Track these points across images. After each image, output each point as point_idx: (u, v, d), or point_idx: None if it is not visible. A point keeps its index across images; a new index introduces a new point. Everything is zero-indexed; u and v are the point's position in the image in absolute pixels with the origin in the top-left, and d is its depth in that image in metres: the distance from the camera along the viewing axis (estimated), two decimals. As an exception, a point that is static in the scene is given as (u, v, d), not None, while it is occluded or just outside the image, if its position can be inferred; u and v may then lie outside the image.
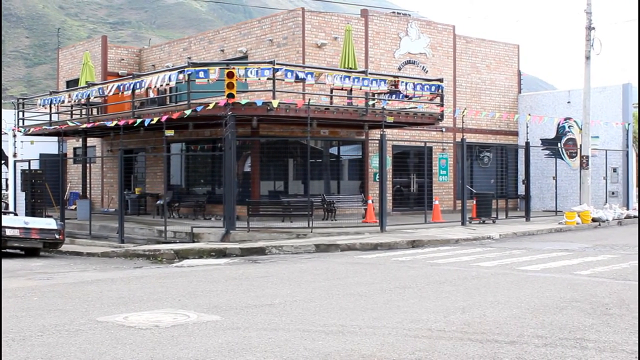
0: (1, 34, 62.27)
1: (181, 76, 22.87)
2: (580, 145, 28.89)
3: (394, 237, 20.74)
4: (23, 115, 32.73)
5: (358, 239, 20.30)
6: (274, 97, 22.89)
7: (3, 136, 35.31)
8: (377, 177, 27.41)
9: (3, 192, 32.10)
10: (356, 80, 24.32)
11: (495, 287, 11.78)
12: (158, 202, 29.32)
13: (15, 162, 30.46)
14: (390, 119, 25.54)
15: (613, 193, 32.20)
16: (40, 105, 31.14)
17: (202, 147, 29.24)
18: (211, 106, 22.26)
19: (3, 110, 43.46)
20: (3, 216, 20.89)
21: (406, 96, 26.28)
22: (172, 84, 23.59)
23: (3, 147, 37.49)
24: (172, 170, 31.01)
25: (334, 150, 29.66)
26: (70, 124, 28.77)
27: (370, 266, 14.97)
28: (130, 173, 31.95)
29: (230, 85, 21.66)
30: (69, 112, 31.64)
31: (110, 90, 26.20)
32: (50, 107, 30.65)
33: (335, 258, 16.97)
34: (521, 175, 32.42)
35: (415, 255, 17.26)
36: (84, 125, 27.62)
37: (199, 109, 22.57)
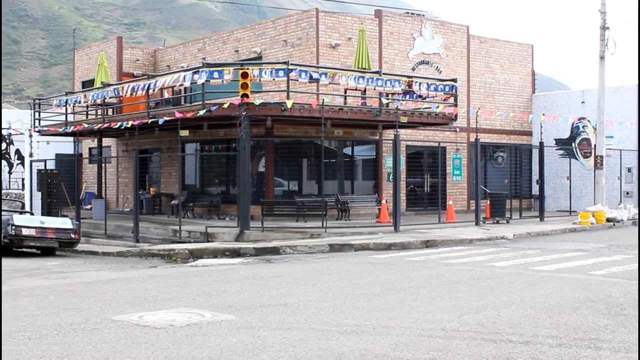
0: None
1: (196, 76, 22.92)
2: (595, 145, 28.76)
3: (407, 237, 20.72)
4: (39, 115, 32.92)
5: (372, 238, 20.30)
6: (288, 98, 22.89)
7: (19, 136, 35.55)
8: (391, 177, 27.40)
9: (18, 191, 32.29)
10: (370, 80, 24.31)
11: (509, 287, 11.74)
12: (173, 202, 29.40)
13: (31, 162, 30.63)
14: (404, 119, 25.51)
15: (628, 193, 32.00)
16: (56, 105, 31.31)
17: (217, 147, 29.28)
18: (226, 106, 22.31)
19: (20, 110, 43.76)
20: (19, 216, 21.02)
21: (420, 96, 26.25)
22: (187, 84, 23.65)
23: (19, 147, 37.72)
24: (186, 170, 31.08)
25: (347, 150, 29.63)
26: (86, 125, 28.92)
27: (384, 266, 14.97)
28: (145, 173, 32.07)
29: (244, 86, 21.73)
30: (85, 113, 31.80)
31: (126, 91, 26.30)
32: (66, 108, 30.82)
33: (349, 258, 16.97)
34: (535, 175, 32.25)
35: (429, 255, 17.25)
36: (99, 126, 27.75)
37: (213, 109, 22.60)
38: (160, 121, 24.44)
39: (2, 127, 34.00)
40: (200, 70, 22.85)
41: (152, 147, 31.92)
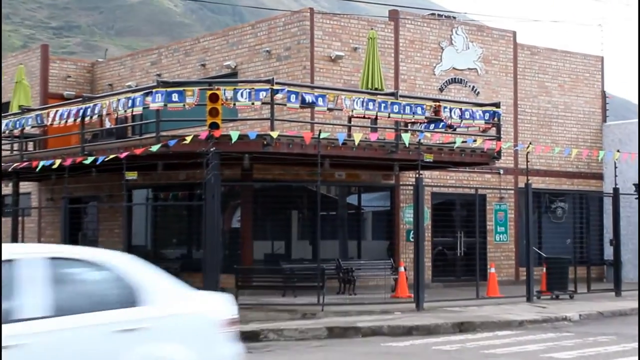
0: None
1: (148, 99, 22.95)
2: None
3: (434, 317, 20.60)
4: None
5: (386, 320, 20.15)
6: (272, 128, 22.89)
7: None
8: (412, 235, 26.87)
9: None
10: (383, 105, 24.28)
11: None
12: (114, 269, 29.28)
13: None
14: (429, 158, 25.38)
15: None
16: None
17: (176, 195, 29.27)
18: (188, 140, 22.27)
19: None
20: None
21: (450, 126, 26.25)
22: (136, 109, 23.70)
23: None
24: (134, 226, 30.89)
25: (353, 200, 29.55)
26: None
27: (403, 358, 14.87)
28: (77, 229, 31.87)
29: (213, 112, 21.73)
30: (-4, 148, 31.76)
31: (52, 119, 26.27)
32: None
33: (355, 347, 16.84)
34: (608, 234, 32.09)
35: (464, 342, 17.12)
36: (15, 165, 27.66)
37: (171, 143, 22.60)
38: (99, 160, 24.35)
39: None
40: (154, 91, 22.86)
41: (88, 194, 31.82)
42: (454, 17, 32.63)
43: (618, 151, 29.74)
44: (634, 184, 33.42)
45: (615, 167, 29.89)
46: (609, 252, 32.20)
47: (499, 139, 26.79)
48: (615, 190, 28.45)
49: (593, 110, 35.19)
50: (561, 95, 34.22)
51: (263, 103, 22.95)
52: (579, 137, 34.52)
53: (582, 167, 34.72)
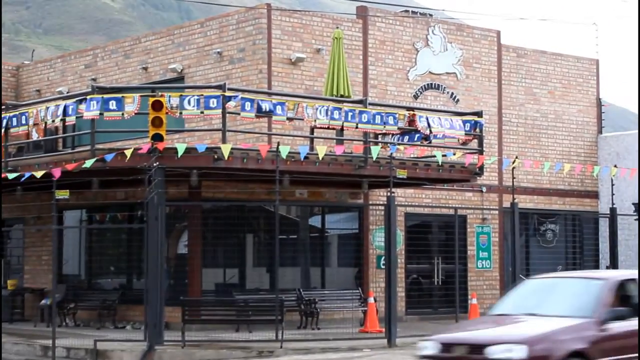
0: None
1: (82, 107, 22.78)
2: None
3: (408, 355, 20.17)
4: None
5: (354, 358, 20.21)
6: (224, 140, 22.83)
7: None
8: (383, 262, 26.77)
9: None
10: (350, 114, 24.26)
11: None
12: (43, 301, 28.91)
13: None
14: (402, 174, 25.33)
15: None
16: None
17: (113, 216, 29.15)
18: (128, 154, 22.19)
19: None
20: None
21: (426, 138, 26.27)
22: (68, 119, 23.57)
23: None
24: (65, 253, 30.70)
25: (316, 221, 29.59)
26: None
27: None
28: (-1, 256, 31.61)
29: (157, 122, 21.66)
30: None
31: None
32: None
33: (320, 389, 16.73)
34: (605, 260, 32.21)
35: (444, 384, 17.01)
36: None
37: (108, 157, 22.47)
38: (25, 176, 24.17)
39: None
40: (88, 97, 22.74)
41: (12, 216, 31.48)
42: (431, 15, 32.63)
43: (615, 166, 29.94)
44: (633, 204, 33.60)
45: (612, 185, 30.08)
46: (605, 280, 32.11)
47: (481, 152, 26.82)
48: (612, 210, 28.63)
49: (587, 120, 35.29)
50: (551, 103, 34.31)
51: (214, 111, 22.84)
52: (571, 151, 34.61)
53: (575, 185, 34.78)
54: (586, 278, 16.44)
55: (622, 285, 15.49)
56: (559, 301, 15.50)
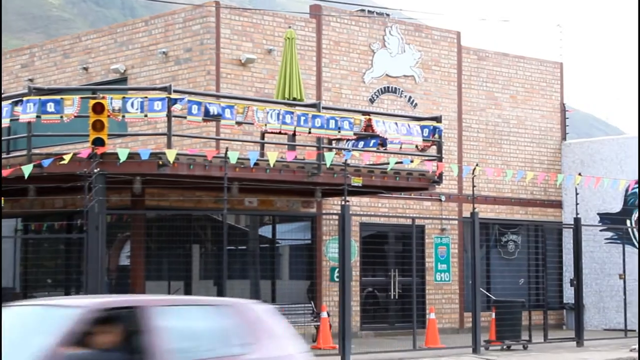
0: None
1: (18, 109, 22.43)
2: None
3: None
4: None
5: (305, 379, 19.39)
6: (169, 146, 22.56)
7: None
8: (337, 275, 27.05)
9: None
10: (303, 118, 24.09)
11: None
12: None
13: None
14: (357, 181, 25.28)
15: None
16: None
17: (51, 225, 28.92)
18: (66, 159, 21.69)
19: None
20: None
21: (382, 144, 26.06)
22: (3, 122, 22.93)
23: None
24: (-1, 264, 30.26)
25: (266, 231, 29.62)
26: None
27: None
28: None
29: (98, 126, 21.31)
30: None
31: None
32: None
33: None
34: (568, 273, 32.36)
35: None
36: None
37: (45, 163, 22.01)
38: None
39: None
40: (25, 99, 22.41)
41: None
42: (388, 15, 32.60)
43: (580, 174, 30.08)
44: (598, 214, 33.78)
45: (577, 194, 30.39)
46: (569, 294, 32.54)
47: (440, 159, 26.69)
48: (577, 220, 28.62)
49: (551, 126, 35.42)
50: (513, 108, 34.42)
51: (158, 114, 22.56)
52: (534, 158, 34.72)
53: (538, 194, 34.93)
54: (57, 306, 11.17)
55: (103, 317, 10.57)
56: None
